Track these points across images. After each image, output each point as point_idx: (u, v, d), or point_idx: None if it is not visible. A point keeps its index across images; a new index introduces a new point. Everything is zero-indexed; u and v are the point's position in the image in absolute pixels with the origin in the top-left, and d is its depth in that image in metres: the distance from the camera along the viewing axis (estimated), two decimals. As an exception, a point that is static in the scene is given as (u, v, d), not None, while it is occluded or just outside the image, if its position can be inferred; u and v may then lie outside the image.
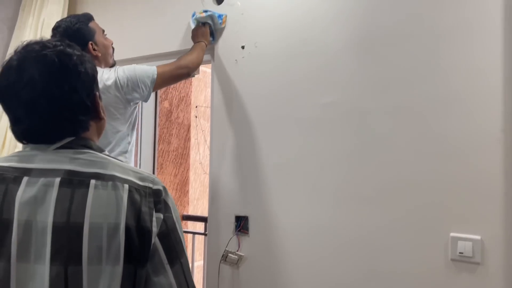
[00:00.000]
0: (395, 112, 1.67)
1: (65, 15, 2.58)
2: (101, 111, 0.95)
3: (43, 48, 0.87)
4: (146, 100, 1.87)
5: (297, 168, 1.88)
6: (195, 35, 2.05)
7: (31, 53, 0.86)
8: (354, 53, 1.77)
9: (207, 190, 2.19)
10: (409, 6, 1.66)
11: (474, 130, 1.52)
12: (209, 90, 2.22)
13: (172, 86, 3.74)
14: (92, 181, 0.82)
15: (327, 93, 1.82)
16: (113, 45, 1.95)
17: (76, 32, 1.72)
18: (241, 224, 1.99)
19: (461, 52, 1.56)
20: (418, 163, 1.61)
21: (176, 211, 0.91)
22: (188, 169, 3.98)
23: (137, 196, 0.84)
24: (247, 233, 1.98)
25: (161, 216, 0.85)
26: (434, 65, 1.60)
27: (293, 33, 1.92)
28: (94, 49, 1.76)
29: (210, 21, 2.06)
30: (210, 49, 2.17)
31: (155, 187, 0.88)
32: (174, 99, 3.84)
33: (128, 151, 1.90)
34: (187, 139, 4.00)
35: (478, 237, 1.50)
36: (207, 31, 2.06)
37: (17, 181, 0.82)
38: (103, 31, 1.86)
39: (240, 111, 2.05)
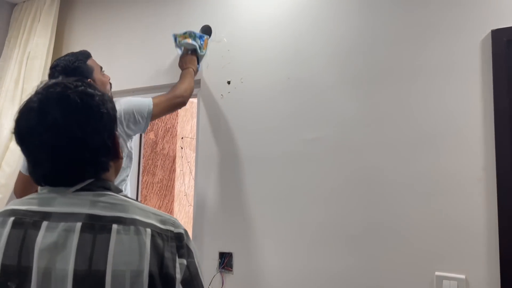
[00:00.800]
0: (380, 149, 1.68)
1: (51, 48, 2.59)
2: (120, 150, 0.93)
3: (65, 89, 0.85)
4: (144, 131, 1.89)
5: (282, 204, 1.87)
6: (183, 62, 2.08)
7: (53, 94, 0.84)
8: (340, 91, 1.80)
9: (192, 221, 2.16)
10: (394, 47, 1.71)
11: (457, 169, 1.54)
12: (195, 120, 2.22)
13: (158, 117, 3.72)
14: (114, 226, 0.80)
15: (312, 130, 1.83)
16: (110, 81, 1.95)
17: (75, 70, 1.72)
18: (225, 261, 1.95)
19: (443, 92, 1.59)
20: (403, 201, 1.62)
21: (198, 255, 0.89)
22: (172, 201, 3.93)
23: (159, 241, 0.81)
24: (231, 270, 1.94)
25: (185, 262, 0.83)
26: (418, 105, 1.63)
27: (279, 70, 1.95)
28: None
29: (196, 47, 2.07)
30: (197, 83, 2.18)
31: (177, 230, 0.86)
32: (160, 130, 3.83)
33: (125, 182, 1.91)
34: (172, 170, 3.97)
35: (462, 276, 1.49)
36: (194, 58, 2.09)
37: (36, 226, 0.80)
38: (101, 67, 1.87)
39: (226, 146, 2.05)
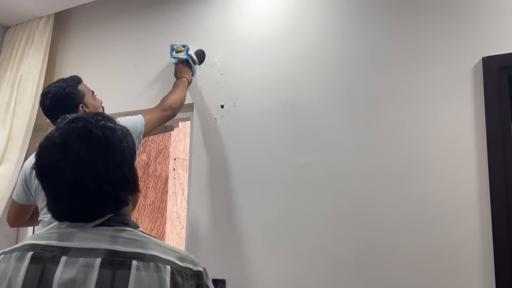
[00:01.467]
0: (374, 175, 1.68)
1: (44, 71, 2.58)
2: (138, 184, 0.94)
3: (87, 123, 0.86)
4: (136, 149, 1.86)
5: (276, 229, 1.85)
6: (177, 71, 2.09)
7: (75, 129, 0.85)
8: (333, 116, 1.80)
9: (184, 242, 2.13)
10: (387, 74, 1.72)
11: (451, 196, 1.53)
12: (188, 140, 2.21)
13: (150, 138, 3.72)
14: (134, 262, 0.80)
15: (305, 154, 1.83)
16: (102, 105, 1.94)
17: (66, 96, 1.72)
18: (218, 288, 1.92)
19: (436, 118, 1.60)
20: (397, 228, 1.60)
21: None
22: (164, 223, 3.88)
23: (179, 279, 0.82)
24: (224, 298, 1.91)
25: None
26: (411, 130, 1.64)
27: (272, 94, 1.95)
28: (84, 111, 1.74)
29: (190, 60, 2.11)
30: (190, 106, 2.18)
31: (196, 268, 0.86)
32: (152, 151, 3.81)
33: None
34: (165, 192, 3.93)
35: (459, 305, 1.48)
36: (188, 68, 2.11)
37: (55, 260, 0.79)
38: (93, 92, 1.86)
39: (219, 170, 2.03)
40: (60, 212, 0.86)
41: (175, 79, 2.11)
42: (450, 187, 1.54)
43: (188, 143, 2.30)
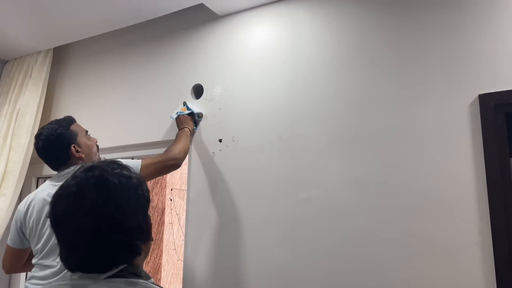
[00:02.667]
0: (373, 211, 1.67)
1: (42, 105, 2.58)
2: (151, 232, 0.93)
3: (103, 172, 0.87)
4: None
5: (276, 266, 1.82)
6: (179, 122, 2.10)
7: (91, 178, 0.85)
8: (332, 151, 1.80)
9: (180, 273, 2.09)
10: (385, 110, 1.73)
11: (452, 233, 1.52)
12: (185, 167, 2.21)
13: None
14: None
15: (305, 190, 1.82)
16: (97, 143, 1.93)
17: (58, 137, 1.73)
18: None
19: (435, 155, 1.60)
20: (397, 265, 1.58)
21: None
22: (161, 255, 3.82)
23: None
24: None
25: None
26: (410, 167, 1.63)
27: (270, 129, 1.95)
28: (77, 151, 1.74)
29: (192, 111, 2.13)
30: (187, 140, 2.18)
31: None
32: (149, 182, 3.79)
33: None
34: (161, 223, 3.89)
35: None
36: (189, 118, 2.12)
37: None
38: (86, 131, 1.86)
39: (217, 205, 2.02)
40: (73, 262, 0.85)
41: (173, 120, 2.13)
42: (450, 224, 1.53)
43: (185, 171, 2.30)
